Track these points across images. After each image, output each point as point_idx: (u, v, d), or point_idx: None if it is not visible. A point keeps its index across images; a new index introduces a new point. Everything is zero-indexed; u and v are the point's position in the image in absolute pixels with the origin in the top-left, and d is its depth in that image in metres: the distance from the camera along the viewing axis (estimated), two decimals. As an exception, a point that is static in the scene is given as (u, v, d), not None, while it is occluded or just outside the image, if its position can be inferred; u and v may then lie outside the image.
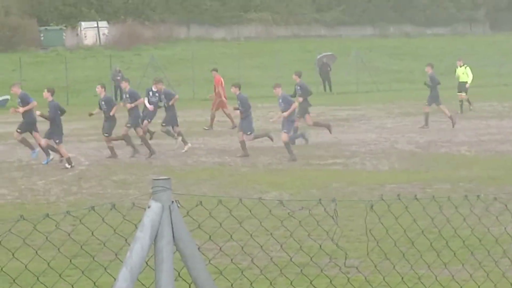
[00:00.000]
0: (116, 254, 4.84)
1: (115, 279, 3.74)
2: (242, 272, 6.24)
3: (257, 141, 23.87)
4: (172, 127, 24.61)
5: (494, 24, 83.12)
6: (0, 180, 19.43)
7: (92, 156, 23.39)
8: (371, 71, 55.97)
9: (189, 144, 24.21)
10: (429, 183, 17.13)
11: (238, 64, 53.39)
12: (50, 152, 21.86)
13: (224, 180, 18.50)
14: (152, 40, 69.49)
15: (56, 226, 4.57)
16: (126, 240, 4.58)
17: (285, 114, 22.36)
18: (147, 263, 3.91)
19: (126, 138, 23.24)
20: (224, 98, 30.56)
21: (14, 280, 5.69)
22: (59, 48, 66.17)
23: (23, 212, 14.45)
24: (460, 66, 35.70)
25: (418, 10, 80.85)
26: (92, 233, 5.14)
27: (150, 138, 25.24)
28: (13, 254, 4.86)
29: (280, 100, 22.79)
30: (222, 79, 31.30)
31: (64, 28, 69.76)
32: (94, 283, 5.11)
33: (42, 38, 68.08)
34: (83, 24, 70.28)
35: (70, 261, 5.95)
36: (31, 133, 22.67)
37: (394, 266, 6.63)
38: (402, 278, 6.64)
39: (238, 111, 23.14)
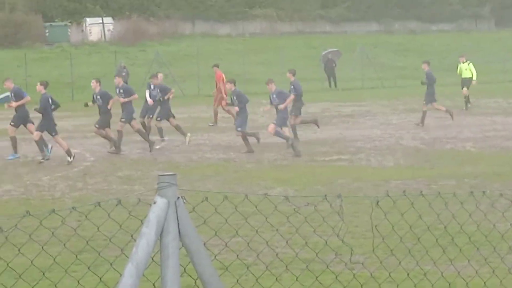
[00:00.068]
0: (122, 250, 4.84)
1: (121, 275, 3.74)
2: (247, 268, 6.24)
3: (262, 137, 23.93)
4: (168, 120, 25.32)
5: (500, 20, 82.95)
6: (5, 176, 19.44)
7: (97, 152, 23.40)
8: (376, 67, 55.89)
9: (166, 138, 25.34)
10: (434, 179, 17.11)
11: (243, 60, 53.35)
12: (38, 147, 21.68)
13: (229, 176, 18.49)
14: (157, 36, 69.47)
15: (62, 221, 4.57)
16: (132, 236, 4.58)
17: (282, 106, 22.72)
18: (153, 259, 3.91)
19: (119, 134, 23.19)
20: (224, 95, 30.51)
21: (20, 276, 5.69)
22: (64, 44, 66.14)
23: (28, 208, 14.46)
24: (463, 62, 35.70)
25: (423, 6, 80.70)
26: (98, 229, 5.14)
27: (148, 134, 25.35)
28: (19, 250, 4.87)
29: (274, 96, 23.02)
30: (223, 75, 31.25)
31: (69, 24, 69.77)
32: (100, 278, 5.11)
33: (47, 34, 68.06)
34: (88, 20, 70.24)
35: (76, 256, 5.96)
36: (25, 126, 22.55)
37: (399, 262, 6.62)
38: (408, 274, 6.64)
39: (236, 107, 23.20)
